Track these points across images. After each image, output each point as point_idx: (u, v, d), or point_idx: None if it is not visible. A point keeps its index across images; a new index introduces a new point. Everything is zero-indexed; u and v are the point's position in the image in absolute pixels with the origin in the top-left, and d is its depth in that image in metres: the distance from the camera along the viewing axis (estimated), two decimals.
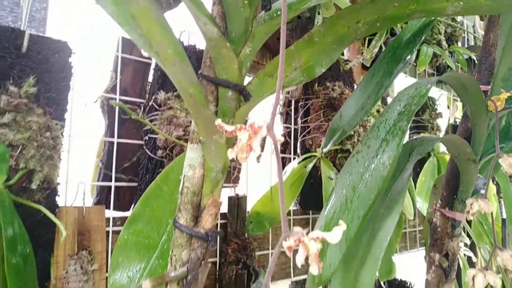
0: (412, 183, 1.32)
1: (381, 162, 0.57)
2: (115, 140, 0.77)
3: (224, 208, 0.95)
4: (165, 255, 0.61)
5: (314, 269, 0.33)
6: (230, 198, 0.93)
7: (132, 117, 0.65)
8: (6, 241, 0.52)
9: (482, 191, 0.74)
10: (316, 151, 1.06)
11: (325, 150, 0.73)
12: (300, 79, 0.55)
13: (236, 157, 0.27)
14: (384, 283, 1.42)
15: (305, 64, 0.55)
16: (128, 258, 0.60)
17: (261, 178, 1.09)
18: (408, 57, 0.67)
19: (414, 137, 1.56)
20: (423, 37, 0.68)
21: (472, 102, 0.67)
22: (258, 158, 1.15)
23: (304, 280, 1.17)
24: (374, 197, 0.57)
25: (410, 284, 1.44)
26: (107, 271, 0.73)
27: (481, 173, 0.78)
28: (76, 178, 0.72)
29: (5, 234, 0.52)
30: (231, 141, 0.48)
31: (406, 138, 1.59)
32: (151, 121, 0.77)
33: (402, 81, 1.65)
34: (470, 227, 1.58)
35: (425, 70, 1.74)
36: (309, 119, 1.10)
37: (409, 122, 0.58)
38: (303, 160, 1.07)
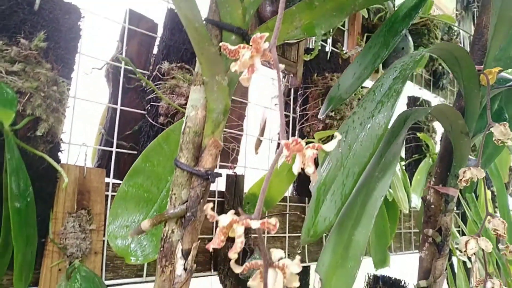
0: (408, 180, 1.34)
1: (376, 122, 0.59)
2: (118, 107, 0.79)
3: (222, 186, 0.96)
4: (163, 209, 0.62)
5: (310, 169, 0.35)
6: (228, 176, 0.95)
7: (137, 75, 0.67)
8: (10, 179, 0.53)
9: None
10: (313, 138, 1.08)
11: (322, 117, 0.74)
12: (300, 36, 0.57)
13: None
14: (379, 281, 1.42)
15: (306, 23, 0.58)
16: (127, 209, 0.61)
17: (259, 162, 1.11)
18: (404, 30, 0.70)
19: (411, 137, 1.59)
20: (419, 12, 0.71)
21: (464, 76, 0.69)
22: (257, 148, 1.17)
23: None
24: (369, 155, 0.59)
25: (404, 283, 1.43)
26: (104, 234, 0.74)
27: (473, 152, 0.80)
28: (79, 141, 0.73)
29: (9, 171, 0.53)
30: (233, 84, 0.50)
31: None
32: (154, 90, 0.79)
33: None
34: (466, 225, 1.59)
35: (422, 74, 1.78)
36: (307, 107, 1.12)
37: (404, 84, 0.61)
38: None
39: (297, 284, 0.36)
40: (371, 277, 1.46)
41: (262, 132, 1.18)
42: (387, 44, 0.70)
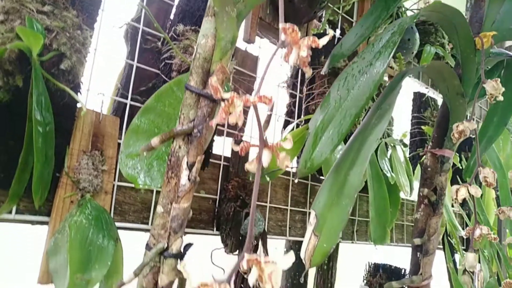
0: (411, 169, 1.36)
1: (374, 69, 0.63)
2: (135, 63, 0.84)
3: (227, 152, 1.00)
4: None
5: (303, 53, 0.39)
6: (234, 141, 0.99)
7: (155, 25, 0.72)
8: (35, 104, 0.59)
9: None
10: None
11: (325, 71, 0.79)
12: None
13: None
14: (379, 269, 1.43)
15: None
16: (139, 141, 0.65)
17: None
18: None
19: (416, 131, 1.62)
20: None
21: (461, 41, 0.73)
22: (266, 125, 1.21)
23: (299, 242, 1.20)
24: (366, 98, 0.63)
25: (404, 271, 1.44)
26: (115, 178, 0.79)
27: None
28: (96, 91, 0.79)
29: (34, 94, 0.58)
30: (241, 17, 0.55)
31: (408, 128, 1.63)
32: (168, 50, 0.84)
33: (405, 82, 1.72)
34: (469, 219, 1.59)
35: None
36: (314, 86, 1.17)
37: (401, 35, 0.65)
38: (305, 122, 1.13)
39: (289, 163, 0.40)
40: (371, 266, 1.47)
41: (267, 124, 1.22)
42: (388, 7, 0.75)
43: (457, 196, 0.66)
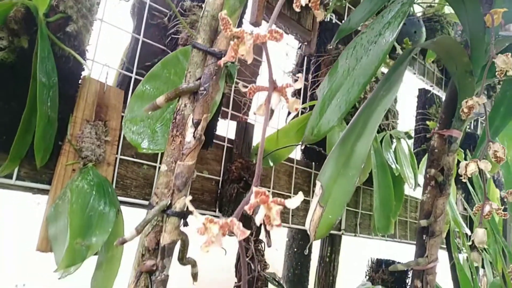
0: (415, 163, 1.35)
1: (383, 38, 0.62)
2: (141, 37, 0.84)
3: (231, 135, 0.99)
4: None
5: None
6: (238, 122, 0.98)
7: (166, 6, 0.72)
8: (39, 64, 0.58)
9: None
10: None
11: (332, 45, 0.78)
12: None
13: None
14: (382, 264, 1.41)
15: None
16: (143, 106, 0.64)
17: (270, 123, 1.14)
18: None
19: (420, 127, 1.61)
20: None
21: (470, 16, 0.73)
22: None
23: (302, 231, 1.18)
24: (375, 67, 0.62)
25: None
26: (117, 151, 0.78)
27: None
28: (101, 63, 0.78)
29: (39, 54, 0.58)
30: None
31: (412, 125, 1.62)
32: (175, 25, 0.84)
33: (411, 79, 1.72)
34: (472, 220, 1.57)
35: (434, 72, 1.81)
36: (319, 73, 1.16)
37: (411, 6, 0.64)
38: (310, 109, 1.12)
39: (298, 106, 0.39)
40: (374, 261, 1.44)
41: (272, 111, 1.22)
42: None
43: (466, 171, 0.64)
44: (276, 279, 0.91)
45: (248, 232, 0.32)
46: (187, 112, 0.53)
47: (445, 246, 1.62)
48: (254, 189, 0.33)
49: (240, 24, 0.97)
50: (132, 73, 0.82)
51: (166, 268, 0.49)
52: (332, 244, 1.29)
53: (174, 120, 0.53)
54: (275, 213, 0.33)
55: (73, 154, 0.70)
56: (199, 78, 0.53)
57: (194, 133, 0.51)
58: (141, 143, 0.62)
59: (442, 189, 0.77)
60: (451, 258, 1.57)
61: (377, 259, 1.45)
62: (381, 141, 1.23)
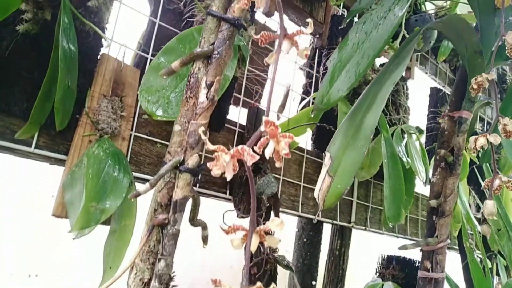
0: (427, 158, 1.35)
1: (393, 13, 0.64)
2: (157, 21, 0.87)
3: (242, 121, 1.01)
4: None
5: None
6: (250, 108, 1.00)
7: None
8: (62, 28, 0.61)
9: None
10: None
11: (343, 25, 0.80)
12: None
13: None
14: (392, 260, 1.40)
15: None
16: (158, 80, 0.67)
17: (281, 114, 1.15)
18: None
19: (432, 125, 1.61)
20: None
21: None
22: (280, 112, 1.22)
23: (310, 221, 1.18)
24: (384, 41, 0.63)
25: (418, 262, 1.40)
26: (132, 128, 0.80)
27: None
28: (119, 43, 0.81)
29: (62, 24, 0.60)
30: None
31: (423, 124, 1.62)
32: (190, 10, 0.87)
33: (423, 78, 1.72)
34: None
35: (446, 72, 1.81)
36: None
37: None
38: None
39: (308, 52, 0.41)
40: (384, 258, 1.43)
41: (282, 108, 1.24)
42: None
43: (475, 145, 0.65)
44: (285, 262, 0.91)
45: (258, 156, 0.33)
46: (201, 75, 0.55)
47: (457, 247, 1.60)
48: (264, 118, 0.34)
49: (252, 14, 1.00)
50: (148, 54, 0.85)
51: (177, 222, 0.51)
52: (342, 237, 1.29)
53: (188, 83, 0.55)
54: (283, 144, 0.34)
55: (90, 126, 0.72)
56: (213, 43, 0.55)
57: (207, 94, 0.53)
58: (156, 111, 0.64)
59: (452, 169, 0.77)
60: (463, 259, 1.55)
61: (387, 255, 1.44)
62: (392, 134, 1.23)
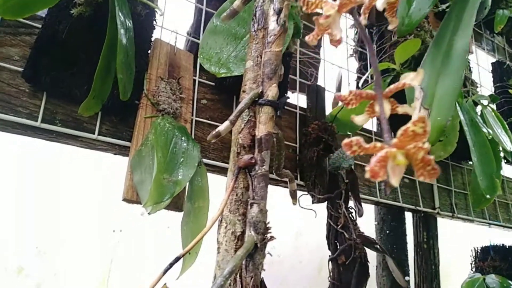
0: (507, 127, 1.20)
1: None
2: (204, 7, 0.85)
3: (302, 103, 0.95)
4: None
5: None
6: (309, 86, 0.94)
7: None
8: (118, 6, 0.59)
9: None
10: (394, 65, 1.05)
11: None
12: None
13: None
14: (489, 251, 1.22)
15: None
16: (216, 42, 0.63)
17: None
18: None
19: (503, 101, 1.47)
20: None
21: None
22: (334, 106, 1.16)
23: (390, 210, 1.06)
24: None
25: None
26: (192, 113, 0.76)
27: None
28: (170, 29, 0.79)
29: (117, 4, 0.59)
30: None
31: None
32: None
33: (482, 56, 1.61)
34: None
35: (504, 47, 1.69)
36: (384, 40, 1.11)
37: None
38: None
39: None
40: (478, 250, 1.26)
41: (339, 89, 1.18)
42: None
43: None
44: (376, 245, 0.80)
45: None
46: (266, 7, 0.50)
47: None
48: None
49: None
50: (199, 40, 0.82)
51: (265, 162, 0.44)
52: (427, 229, 1.15)
53: (254, 17, 0.50)
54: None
55: (151, 108, 0.69)
56: None
57: (277, 20, 0.48)
58: (219, 70, 0.60)
59: None
60: None
61: (481, 247, 1.27)
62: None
